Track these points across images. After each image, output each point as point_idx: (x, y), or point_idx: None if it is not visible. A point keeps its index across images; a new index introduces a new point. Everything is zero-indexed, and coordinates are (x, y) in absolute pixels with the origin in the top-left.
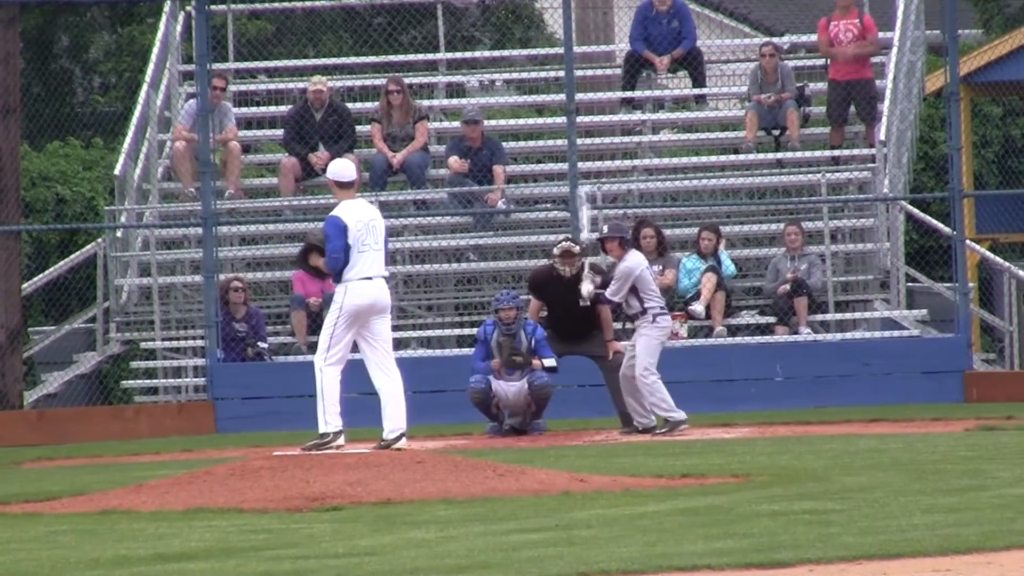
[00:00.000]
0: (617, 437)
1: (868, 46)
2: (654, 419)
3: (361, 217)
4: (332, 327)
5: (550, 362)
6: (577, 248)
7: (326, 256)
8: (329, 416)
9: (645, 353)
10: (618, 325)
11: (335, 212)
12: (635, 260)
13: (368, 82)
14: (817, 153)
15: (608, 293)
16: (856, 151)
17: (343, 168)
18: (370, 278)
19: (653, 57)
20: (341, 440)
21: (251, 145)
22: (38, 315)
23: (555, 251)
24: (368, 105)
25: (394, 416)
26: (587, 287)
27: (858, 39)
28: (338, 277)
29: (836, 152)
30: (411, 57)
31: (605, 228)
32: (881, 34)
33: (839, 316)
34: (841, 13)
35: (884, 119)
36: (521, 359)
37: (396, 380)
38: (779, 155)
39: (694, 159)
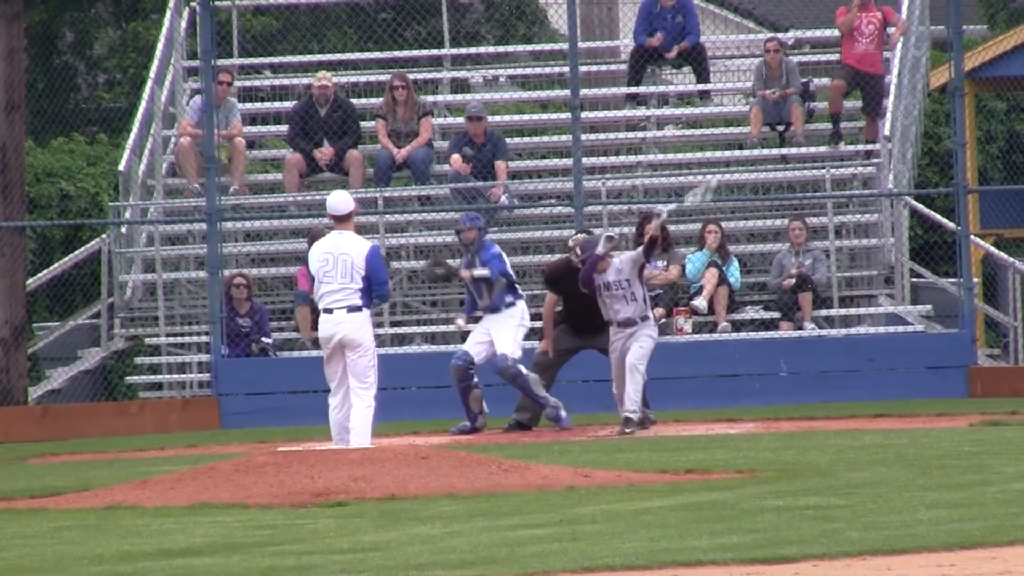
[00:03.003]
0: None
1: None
2: (646, 413)
3: (329, 250)
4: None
5: (480, 271)
6: None
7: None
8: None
9: (647, 351)
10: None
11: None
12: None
13: (373, 78)
14: (822, 149)
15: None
16: (860, 147)
17: (337, 202)
18: (329, 311)
19: (656, 43)
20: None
21: (256, 141)
22: (42, 311)
23: (570, 243)
24: (373, 101)
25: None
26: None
27: (880, 30)
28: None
29: (841, 124)
30: (415, 53)
31: (578, 250)
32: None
33: (843, 311)
34: (860, 8)
35: (888, 114)
36: (442, 270)
37: (355, 412)
38: (783, 151)
39: (698, 155)
